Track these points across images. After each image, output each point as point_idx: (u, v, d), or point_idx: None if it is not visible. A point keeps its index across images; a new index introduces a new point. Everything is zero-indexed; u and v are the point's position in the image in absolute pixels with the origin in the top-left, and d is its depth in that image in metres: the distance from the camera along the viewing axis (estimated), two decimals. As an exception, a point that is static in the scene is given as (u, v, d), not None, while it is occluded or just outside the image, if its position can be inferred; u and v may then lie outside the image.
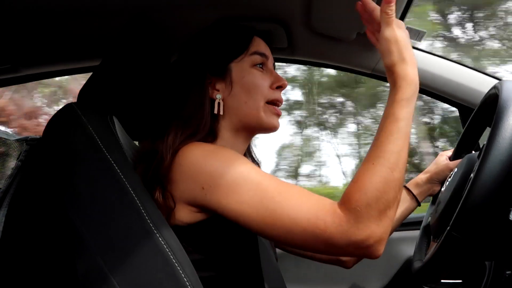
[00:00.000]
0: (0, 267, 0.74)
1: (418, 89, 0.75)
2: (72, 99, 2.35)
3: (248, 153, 1.01)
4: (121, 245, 0.72)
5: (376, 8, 0.79)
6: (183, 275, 0.70)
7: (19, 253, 0.76)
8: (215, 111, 0.88)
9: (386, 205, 0.68)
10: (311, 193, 0.72)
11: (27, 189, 0.78)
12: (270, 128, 0.92)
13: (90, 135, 0.78)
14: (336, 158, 4.77)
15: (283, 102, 0.94)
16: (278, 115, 0.92)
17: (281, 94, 0.95)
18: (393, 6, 0.75)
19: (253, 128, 0.92)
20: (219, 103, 0.89)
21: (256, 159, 1.03)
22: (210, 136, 0.87)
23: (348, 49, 1.26)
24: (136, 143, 1.00)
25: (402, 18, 1.15)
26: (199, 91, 0.89)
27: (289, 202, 0.71)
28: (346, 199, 0.69)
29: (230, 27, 0.96)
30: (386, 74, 0.77)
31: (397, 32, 0.76)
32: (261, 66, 0.92)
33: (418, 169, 4.05)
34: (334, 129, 4.77)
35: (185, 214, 0.78)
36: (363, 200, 0.68)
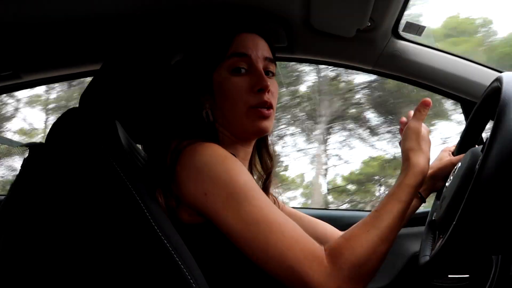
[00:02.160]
0: (4, 270, 0.75)
1: (424, 179, 0.84)
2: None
3: (260, 155, 1.02)
4: (126, 248, 0.72)
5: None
6: (189, 277, 0.70)
7: (22, 257, 0.76)
8: (210, 119, 0.91)
9: (367, 272, 0.72)
10: (305, 234, 0.75)
11: (31, 195, 0.78)
12: (256, 132, 0.90)
13: (93, 140, 0.78)
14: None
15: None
16: (264, 117, 0.89)
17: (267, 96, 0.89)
18: (427, 110, 0.87)
19: (241, 134, 0.92)
20: (207, 112, 0.91)
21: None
22: (211, 140, 0.87)
23: (349, 46, 1.25)
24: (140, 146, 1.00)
25: (400, 14, 1.14)
26: (190, 102, 0.92)
27: (284, 236, 0.73)
28: (336, 255, 0.72)
29: (209, 34, 0.95)
30: (402, 158, 0.86)
31: (422, 128, 0.87)
32: (243, 68, 0.90)
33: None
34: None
35: (184, 215, 0.79)
36: (351, 261, 0.71)
